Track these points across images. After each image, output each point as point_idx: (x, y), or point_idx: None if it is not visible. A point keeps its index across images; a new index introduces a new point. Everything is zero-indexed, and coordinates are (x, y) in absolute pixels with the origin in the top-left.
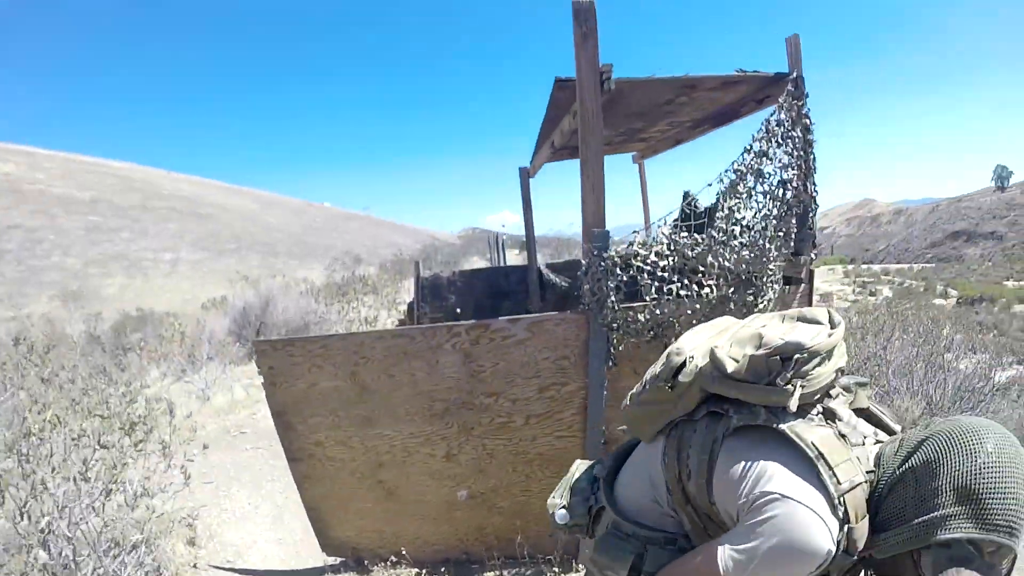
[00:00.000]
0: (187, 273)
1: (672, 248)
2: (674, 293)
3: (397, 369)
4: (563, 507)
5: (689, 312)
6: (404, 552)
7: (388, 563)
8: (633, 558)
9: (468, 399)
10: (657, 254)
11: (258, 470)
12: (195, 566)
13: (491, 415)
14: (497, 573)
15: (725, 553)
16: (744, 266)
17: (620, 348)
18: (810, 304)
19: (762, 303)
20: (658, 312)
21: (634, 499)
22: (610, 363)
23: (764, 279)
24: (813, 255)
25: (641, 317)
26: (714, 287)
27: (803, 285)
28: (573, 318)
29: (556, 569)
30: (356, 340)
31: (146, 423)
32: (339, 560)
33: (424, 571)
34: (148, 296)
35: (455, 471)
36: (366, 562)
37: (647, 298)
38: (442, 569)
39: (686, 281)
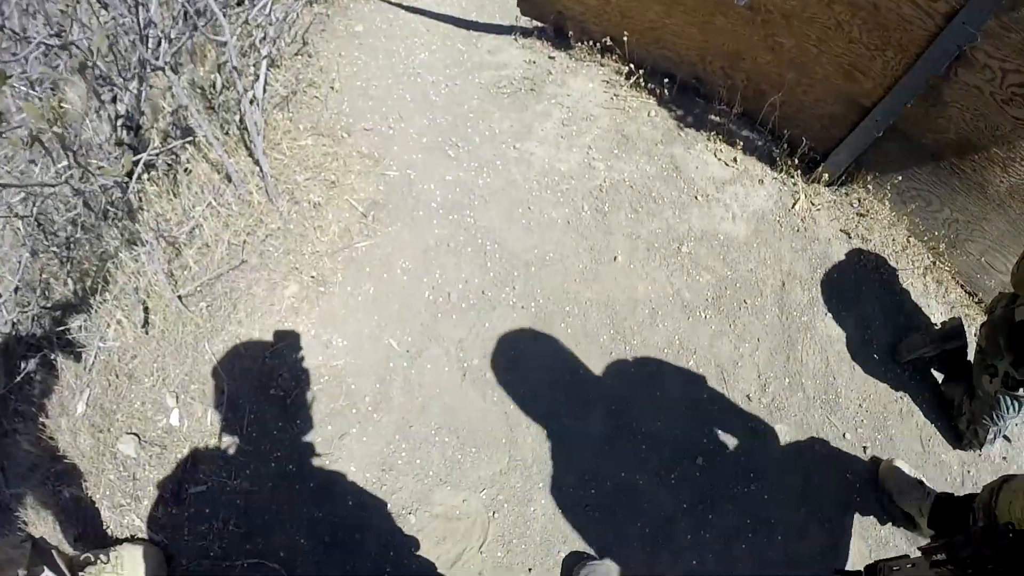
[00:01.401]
0: None
1: None
2: None
3: None
4: None
5: None
6: (625, 38)
7: (595, 45)
8: None
9: None
10: None
11: None
12: None
13: None
14: (722, 124)
15: None
16: None
17: None
18: None
19: None
20: None
21: None
22: None
23: None
24: None
25: None
26: None
27: None
28: None
29: (795, 160)
30: None
31: None
32: (533, 23)
33: (638, 73)
34: None
35: None
36: (569, 34)
37: None
38: (664, 80)
39: None
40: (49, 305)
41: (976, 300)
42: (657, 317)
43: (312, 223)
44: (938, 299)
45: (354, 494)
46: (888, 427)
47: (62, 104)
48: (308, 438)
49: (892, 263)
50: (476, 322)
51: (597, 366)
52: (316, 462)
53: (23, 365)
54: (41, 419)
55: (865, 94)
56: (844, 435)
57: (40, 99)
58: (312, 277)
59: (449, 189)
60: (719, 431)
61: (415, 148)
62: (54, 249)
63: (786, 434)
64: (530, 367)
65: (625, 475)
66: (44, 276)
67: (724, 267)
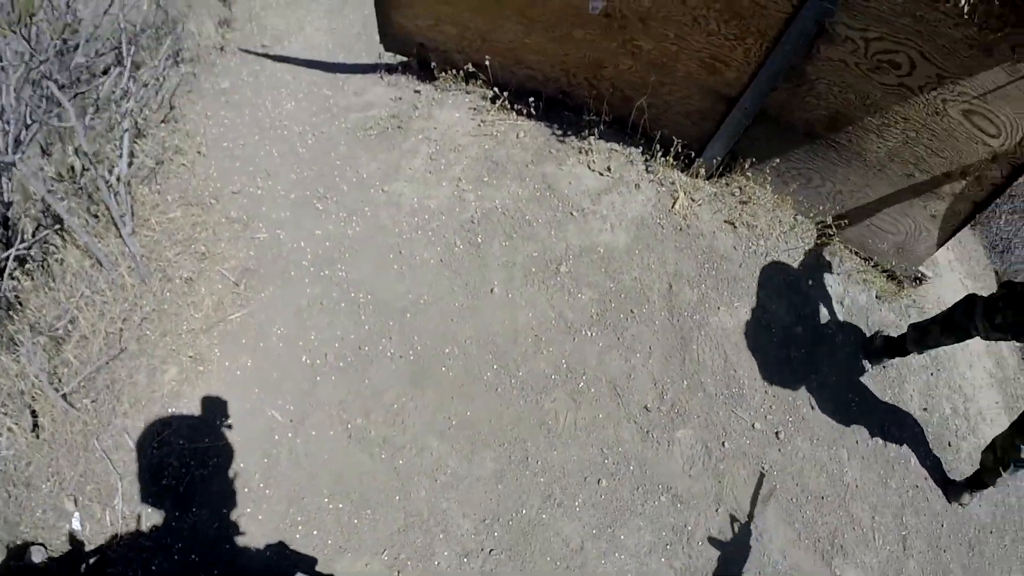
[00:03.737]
0: None
1: None
2: None
3: None
4: None
5: None
6: (487, 63)
7: (459, 73)
8: None
9: None
10: None
11: None
12: (222, 49)
13: None
14: (592, 134)
15: None
16: None
17: None
18: None
19: None
20: None
21: None
22: None
23: None
24: None
25: None
26: None
27: None
28: None
29: (669, 160)
30: None
31: None
32: (397, 59)
33: (503, 96)
34: None
35: None
36: (432, 65)
37: None
38: (530, 99)
39: None
40: None
41: (872, 264)
42: (541, 344)
43: (186, 300)
44: (834, 271)
45: (260, 573)
46: (798, 407)
47: None
48: (205, 524)
49: (782, 244)
50: (355, 380)
51: (484, 405)
52: (216, 548)
53: None
54: None
55: (730, 84)
56: (753, 425)
57: None
58: (190, 357)
59: (319, 244)
60: (619, 448)
61: (284, 205)
62: None
63: (691, 437)
64: (415, 418)
65: (525, 511)
66: None
67: (607, 280)
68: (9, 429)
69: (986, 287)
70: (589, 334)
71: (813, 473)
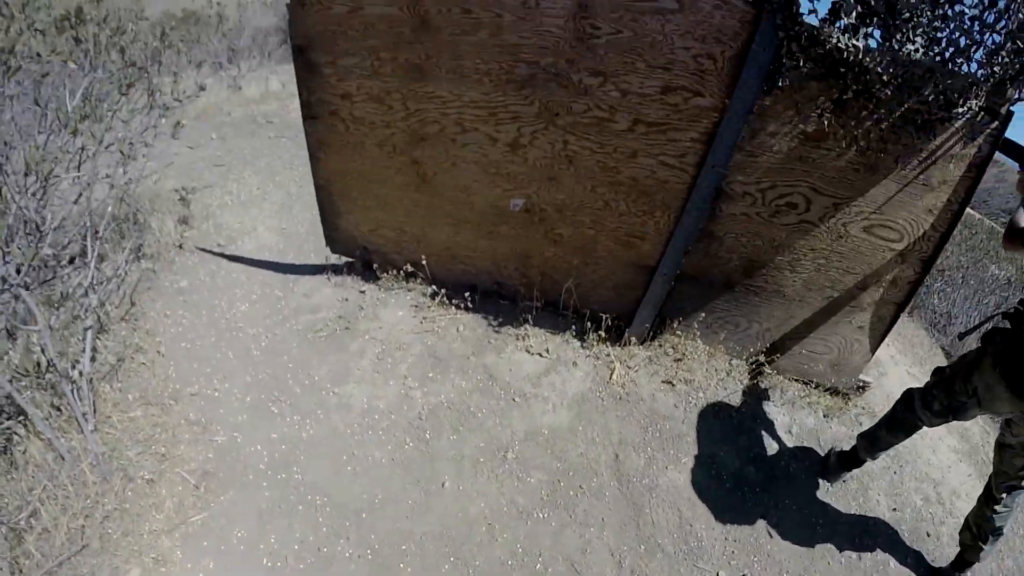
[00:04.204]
0: None
1: None
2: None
3: (479, 1)
4: None
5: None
6: (424, 262)
7: (400, 273)
8: None
9: (565, 70)
10: None
11: (277, 157)
12: (180, 247)
13: (589, 103)
14: (528, 320)
15: None
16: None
17: (785, 78)
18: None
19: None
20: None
21: None
22: (766, 87)
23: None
24: None
25: (835, 41)
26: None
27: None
28: (740, 9)
29: (601, 334)
30: None
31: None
32: (343, 260)
33: (441, 292)
34: None
35: (517, 169)
36: (375, 266)
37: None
38: (466, 293)
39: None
40: None
41: (814, 386)
42: (495, 531)
43: (147, 500)
44: (776, 403)
45: None
46: (762, 545)
47: None
48: None
49: (721, 391)
50: None
51: None
52: None
53: None
54: None
55: (647, 255)
56: (718, 574)
57: None
58: (153, 558)
59: (275, 447)
60: None
61: (240, 408)
62: None
63: None
64: None
65: None
66: None
67: (554, 460)
68: None
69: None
70: (541, 515)
71: None
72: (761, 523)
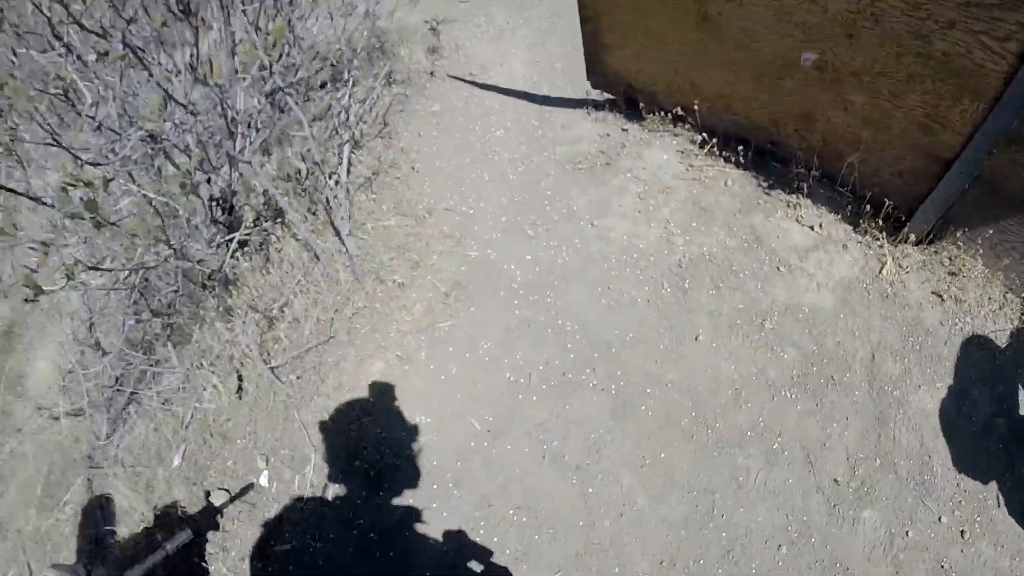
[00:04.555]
0: None
1: None
2: None
3: None
4: None
5: None
6: (695, 107)
7: (667, 116)
8: None
9: None
10: None
11: None
12: (432, 74)
13: None
14: (802, 189)
15: None
16: None
17: None
18: None
19: None
20: None
21: None
22: None
23: None
24: None
25: None
26: None
27: None
28: None
29: (879, 222)
30: None
31: None
32: (604, 96)
33: (711, 142)
34: None
35: (813, 20)
36: (640, 106)
37: None
38: (738, 147)
39: None
40: (151, 364)
41: None
42: (741, 398)
43: (397, 303)
44: None
45: (432, 566)
46: (988, 507)
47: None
48: (390, 510)
49: (989, 323)
50: (557, 404)
51: (678, 450)
52: (397, 534)
53: (125, 416)
54: (139, 468)
55: (945, 146)
56: (940, 519)
57: (136, 213)
58: (398, 356)
59: (529, 269)
60: (804, 518)
61: (494, 227)
62: (157, 315)
63: (876, 520)
64: (610, 451)
65: (703, 563)
66: (146, 338)
67: (810, 341)
68: (214, 386)
69: None
70: (789, 395)
71: None
72: (993, 485)
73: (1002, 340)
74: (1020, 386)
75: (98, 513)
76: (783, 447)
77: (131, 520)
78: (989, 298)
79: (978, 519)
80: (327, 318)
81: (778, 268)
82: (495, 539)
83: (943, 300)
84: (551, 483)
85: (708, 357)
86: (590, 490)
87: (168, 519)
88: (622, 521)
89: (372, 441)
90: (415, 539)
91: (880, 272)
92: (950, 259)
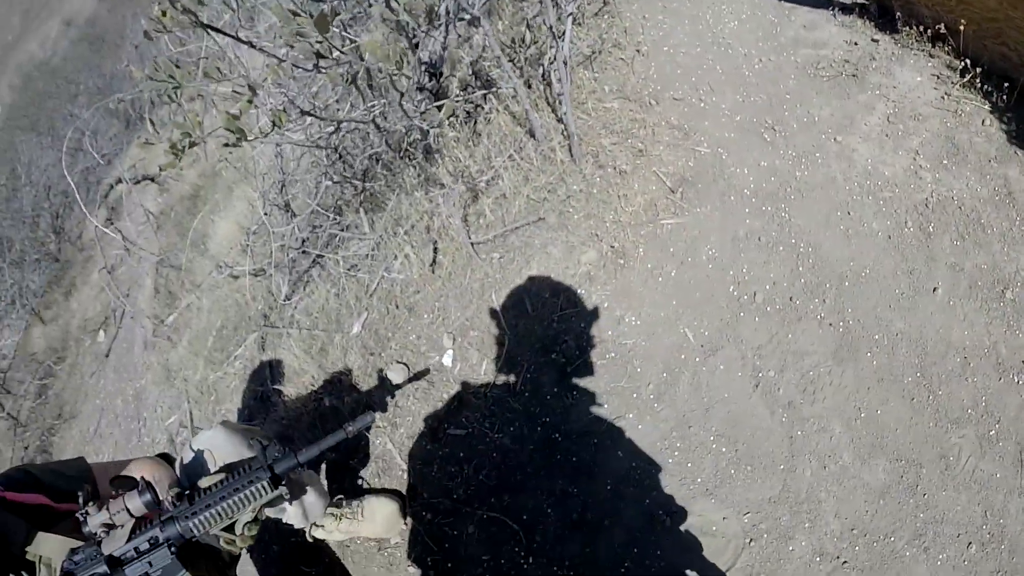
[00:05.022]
0: None
1: None
2: None
3: None
4: None
5: None
6: (960, 27)
7: (925, 32)
8: None
9: None
10: None
11: None
12: None
13: None
14: None
15: None
16: None
17: None
18: None
19: None
20: None
21: None
22: None
23: None
24: None
25: None
26: None
27: None
28: None
29: None
30: None
31: None
32: (854, 0)
33: (973, 72)
34: None
35: None
36: (896, 15)
37: None
38: (1004, 84)
39: None
40: (341, 229)
41: None
42: (968, 369)
43: (616, 191)
44: None
45: (615, 480)
46: None
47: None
48: (581, 412)
49: None
50: (779, 330)
51: (895, 410)
52: (583, 439)
53: (307, 279)
54: (316, 331)
55: None
56: None
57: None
58: (612, 247)
59: (763, 177)
60: (1001, 521)
61: (727, 126)
62: (351, 180)
63: None
64: (825, 394)
65: (892, 539)
66: (338, 202)
67: None
68: (407, 256)
69: None
70: (1017, 380)
71: None
72: None
73: None
74: None
75: (266, 371)
76: (999, 436)
77: (300, 381)
78: None
79: None
80: (538, 198)
81: None
82: (688, 464)
83: None
84: (759, 416)
85: (943, 315)
86: (799, 432)
87: (339, 385)
88: (824, 474)
89: (573, 335)
90: (601, 448)
91: None
92: None
